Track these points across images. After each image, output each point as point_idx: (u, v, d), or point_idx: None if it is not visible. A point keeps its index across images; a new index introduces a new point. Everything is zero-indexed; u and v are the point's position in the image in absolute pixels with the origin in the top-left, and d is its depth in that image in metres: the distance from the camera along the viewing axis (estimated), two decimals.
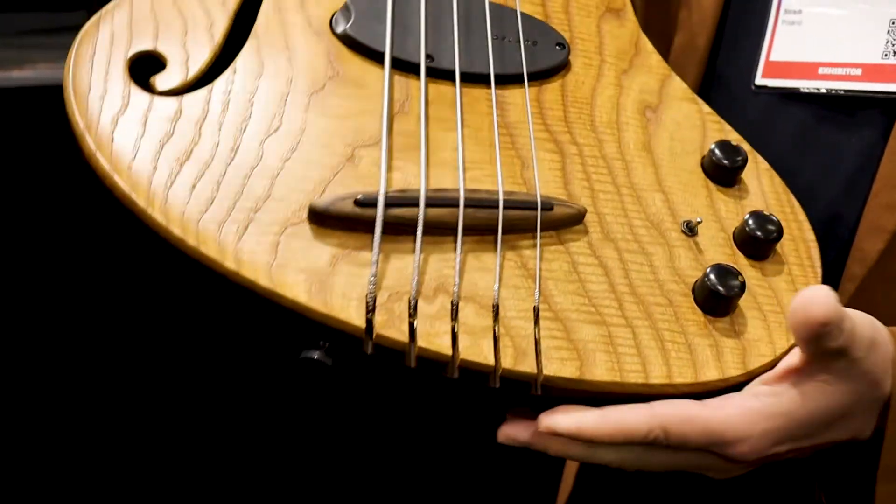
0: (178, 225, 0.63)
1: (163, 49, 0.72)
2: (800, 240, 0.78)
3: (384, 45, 0.74)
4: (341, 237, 0.65)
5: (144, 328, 1.50)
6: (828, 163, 0.88)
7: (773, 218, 0.75)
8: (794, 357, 0.70)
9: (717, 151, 0.78)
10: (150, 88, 0.69)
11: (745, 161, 0.79)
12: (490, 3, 0.80)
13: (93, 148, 0.65)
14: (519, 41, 0.79)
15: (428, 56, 0.75)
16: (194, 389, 1.58)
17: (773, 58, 0.89)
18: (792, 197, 0.80)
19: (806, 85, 0.87)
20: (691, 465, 0.71)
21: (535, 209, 0.69)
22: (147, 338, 1.52)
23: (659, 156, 0.78)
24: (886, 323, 0.78)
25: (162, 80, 0.70)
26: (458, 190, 0.68)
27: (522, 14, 0.82)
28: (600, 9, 0.87)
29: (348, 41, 0.75)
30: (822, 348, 0.67)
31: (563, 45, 0.82)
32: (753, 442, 0.67)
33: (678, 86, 0.85)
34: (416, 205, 0.66)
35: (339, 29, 0.76)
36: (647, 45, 0.86)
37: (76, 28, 1.94)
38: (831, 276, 0.84)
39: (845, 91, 0.86)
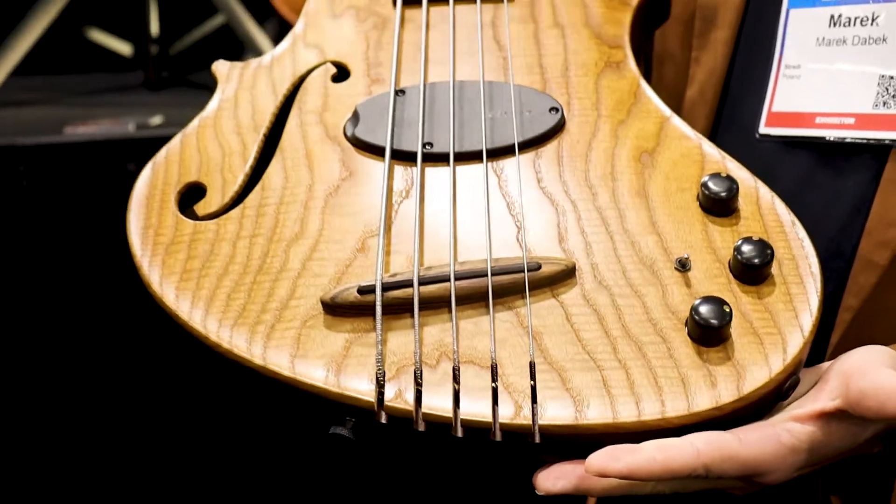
0: (215, 334, 0.69)
1: (204, 180, 0.79)
2: (800, 257, 0.76)
3: (385, 140, 0.79)
4: (353, 322, 0.69)
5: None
6: (826, 204, 0.89)
7: (762, 241, 0.75)
8: (829, 401, 0.70)
9: (708, 185, 0.78)
10: (193, 215, 0.77)
11: (736, 190, 0.78)
12: (486, 83, 0.84)
13: (147, 277, 0.73)
14: (513, 113, 0.82)
15: (427, 143, 0.79)
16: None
17: (774, 109, 0.91)
18: (792, 215, 0.79)
19: (804, 133, 0.89)
20: (722, 487, 0.72)
21: (523, 272, 0.72)
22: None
23: (653, 198, 0.79)
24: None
25: (203, 207, 0.77)
26: (447, 266, 0.71)
27: (517, 87, 0.84)
28: (599, 65, 0.89)
29: (356, 142, 0.80)
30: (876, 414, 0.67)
31: (556, 108, 0.84)
32: (781, 473, 0.68)
33: (677, 126, 0.85)
34: (411, 285, 0.69)
35: (349, 132, 0.81)
36: (647, 91, 0.86)
37: (135, 87, 1.93)
38: (830, 308, 0.85)
39: (840, 139, 0.87)
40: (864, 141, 0.84)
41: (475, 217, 0.75)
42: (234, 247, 0.74)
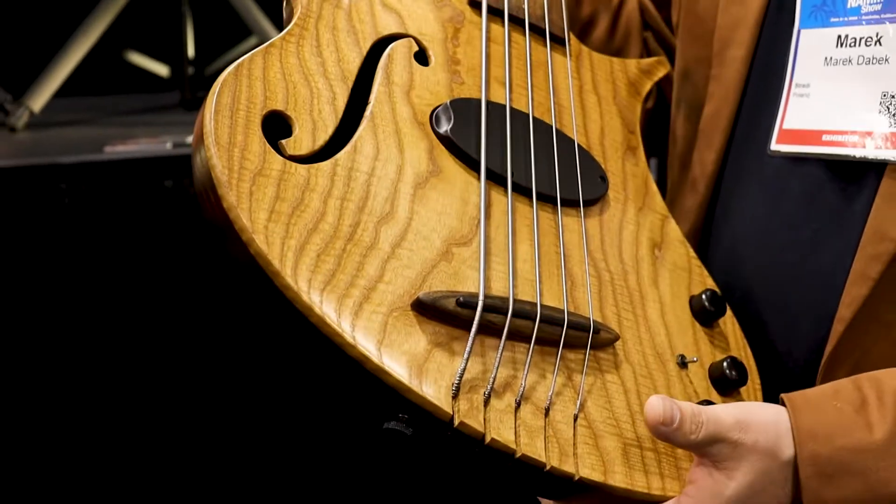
0: (306, 294, 0.65)
1: (292, 114, 0.73)
2: (754, 386, 0.84)
3: (478, 155, 0.78)
4: (437, 327, 0.68)
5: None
6: (830, 219, 0.89)
7: (742, 367, 0.82)
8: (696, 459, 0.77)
9: (705, 299, 0.84)
10: (280, 150, 0.71)
11: (723, 311, 0.85)
12: (556, 130, 0.85)
13: (234, 202, 0.66)
14: (576, 169, 0.84)
15: (511, 172, 0.79)
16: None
17: (785, 126, 0.91)
18: (748, 350, 0.87)
19: (812, 150, 0.89)
20: None
21: (589, 331, 0.74)
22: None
23: (663, 292, 0.84)
24: (873, 360, 0.82)
25: (291, 145, 0.71)
26: (535, 304, 0.73)
27: (578, 145, 0.86)
28: (624, 145, 0.91)
29: (448, 143, 0.78)
30: (693, 442, 0.73)
31: (604, 178, 0.86)
32: None
33: (674, 228, 0.90)
34: (506, 313, 0.70)
35: (441, 129, 0.78)
36: (653, 185, 0.91)
37: (172, 107, 1.94)
38: (825, 320, 0.86)
39: (844, 156, 0.88)
40: (866, 159, 0.85)
41: (546, 261, 0.77)
42: (324, 203, 0.69)
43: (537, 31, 0.89)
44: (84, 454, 1.53)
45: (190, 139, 1.60)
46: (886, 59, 0.85)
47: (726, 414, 0.76)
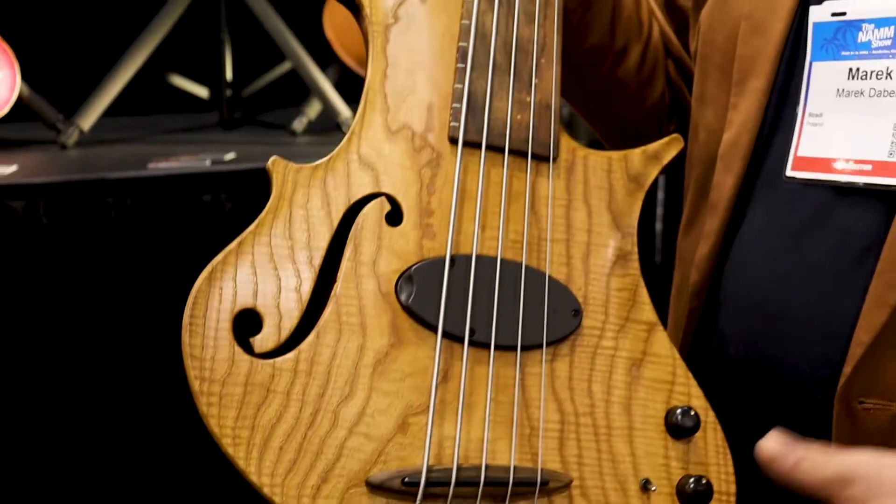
0: (268, 487, 0.72)
1: (261, 309, 0.77)
2: (726, 495, 0.84)
3: (437, 320, 0.80)
4: (389, 499, 0.74)
5: None
6: (837, 242, 0.89)
7: (707, 483, 0.82)
8: None
9: (678, 417, 0.84)
10: (249, 348, 0.76)
11: (697, 427, 0.84)
12: (526, 268, 0.85)
13: (204, 411, 0.73)
14: (543, 310, 0.84)
15: (471, 329, 0.81)
16: None
17: (800, 153, 0.91)
18: (729, 459, 0.86)
19: (825, 177, 0.89)
20: None
21: (536, 485, 0.78)
22: None
23: (634, 417, 0.84)
24: (888, 382, 0.82)
25: (259, 343, 0.76)
26: (480, 469, 0.76)
27: (550, 279, 0.86)
28: (612, 258, 0.90)
29: (409, 311, 0.80)
30: (820, 482, 0.71)
31: (577, 311, 0.86)
32: None
33: (660, 338, 0.89)
34: (449, 484, 0.74)
35: (403, 298, 0.80)
36: (643, 293, 0.90)
37: (211, 126, 1.97)
38: (838, 343, 0.86)
39: (855, 183, 0.87)
40: (878, 186, 0.85)
41: (503, 411, 0.79)
42: (287, 397, 0.74)
43: (521, 155, 0.88)
44: (115, 456, 1.53)
45: (228, 156, 1.62)
46: None
47: (862, 454, 0.74)
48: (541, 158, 0.87)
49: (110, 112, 1.70)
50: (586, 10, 1.02)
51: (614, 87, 1.09)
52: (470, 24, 0.86)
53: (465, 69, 0.85)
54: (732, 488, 0.84)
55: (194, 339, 0.74)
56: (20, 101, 1.63)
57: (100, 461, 1.54)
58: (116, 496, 1.59)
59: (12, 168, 1.47)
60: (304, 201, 0.80)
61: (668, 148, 0.94)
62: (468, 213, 0.84)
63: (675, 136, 0.94)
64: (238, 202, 1.52)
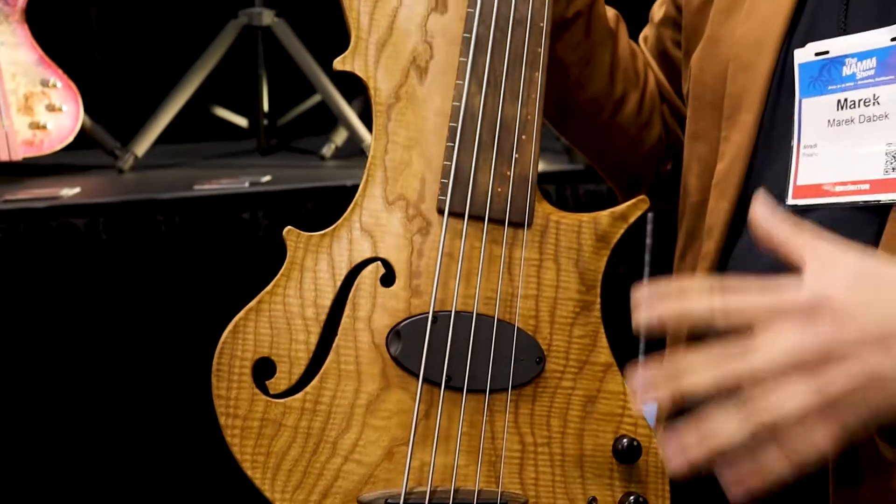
0: (280, 501, 0.83)
1: (275, 358, 0.85)
2: None
3: (418, 370, 0.86)
4: None
5: None
6: None
7: (643, 500, 0.88)
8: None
9: (623, 446, 0.89)
10: (265, 389, 0.85)
11: (639, 455, 0.89)
12: (498, 322, 0.89)
13: (229, 440, 0.84)
14: (511, 358, 0.88)
15: (447, 377, 0.86)
16: None
17: (799, 182, 0.90)
18: (666, 480, 0.91)
19: (827, 201, 0.89)
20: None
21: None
22: None
23: (586, 445, 0.90)
24: None
25: (273, 385, 0.85)
26: (449, 492, 0.85)
27: (518, 330, 0.89)
28: (576, 310, 0.93)
29: (397, 362, 0.86)
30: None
31: (540, 358, 0.90)
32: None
33: (614, 377, 0.92)
34: None
35: (391, 350, 0.86)
36: (602, 339, 0.93)
37: (249, 152, 2.00)
38: None
39: (856, 203, 0.87)
40: (878, 203, 0.84)
41: (472, 443, 0.87)
42: (295, 430, 0.84)
43: (500, 223, 0.90)
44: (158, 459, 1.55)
45: (264, 179, 1.66)
46: (886, 116, 0.85)
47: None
48: (517, 225, 0.91)
49: (161, 140, 1.75)
50: (586, 64, 1.05)
51: (615, 132, 1.10)
52: (460, 106, 0.89)
53: (453, 147, 0.89)
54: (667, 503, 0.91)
55: (220, 383, 0.84)
56: (83, 131, 1.68)
57: (146, 463, 1.55)
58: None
59: (76, 190, 1.53)
60: (312, 265, 0.88)
61: (633, 209, 0.97)
62: (451, 274, 0.88)
63: (641, 198, 0.97)
64: (273, 219, 1.55)
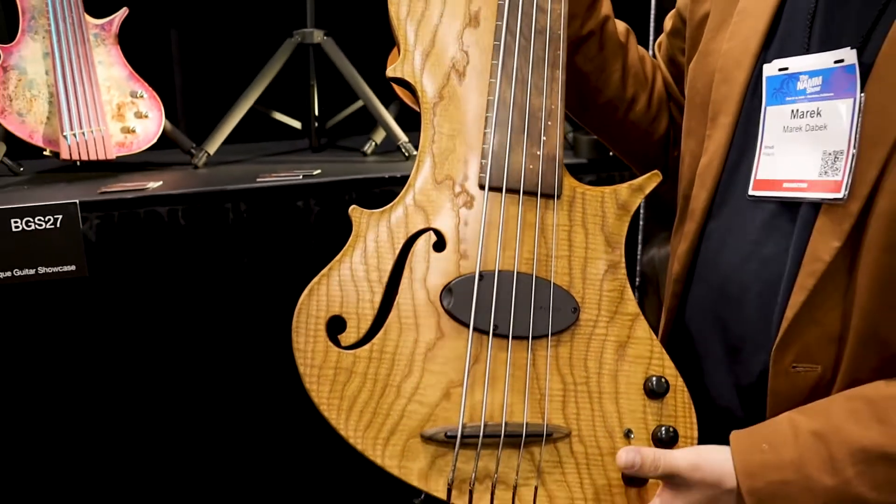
0: (353, 438, 0.83)
1: (345, 315, 0.85)
2: (690, 438, 0.90)
3: (469, 319, 0.86)
4: (437, 448, 0.84)
5: None
6: (781, 241, 0.89)
7: (674, 430, 0.88)
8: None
9: (653, 383, 0.89)
10: (338, 342, 0.85)
11: (667, 391, 0.89)
12: (536, 279, 0.88)
13: (308, 387, 0.84)
14: (549, 309, 0.88)
15: (495, 325, 0.86)
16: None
17: (758, 177, 0.93)
18: (693, 413, 0.90)
19: (776, 195, 0.91)
20: None
21: (543, 436, 0.86)
22: None
23: (620, 384, 0.89)
24: (811, 350, 0.85)
25: (344, 339, 0.85)
26: (500, 425, 0.84)
27: (554, 286, 0.89)
28: (604, 267, 0.92)
29: (450, 314, 0.86)
30: (655, 475, 0.82)
31: (576, 308, 0.89)
32: None
33: (641, 325, 0.92)
34: (478, 436, 0.84)
35: (445, 304, 0.86)
36: (628, 292, 0.92)
37: (303, 150, 1.99)
38: (775, 319, 0.88)
39: (796, 198, 0.89)
40: (811, 200, 0.87)
41: (518, 384, 0.86)
42: (364, 377, 0.84)
43: (533, 194, 0.90)
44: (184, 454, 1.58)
45: (315, 172, 1.68)
46: (825, 127, 0.87)
47: (682, 458, 0.83)
48: (548, 196, 0.92)
49: (229, 140, 1.80)
50: (601, 73, 1.08)
51: (629, 126, 1.14)
52: (494, 100, 0.92)
53: (489, 133, 0.91)
54: (695, 433, 0.89)
55: (299, 338, 0.85)
56: (164, 134, 1.74)
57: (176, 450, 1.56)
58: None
59: (159, 183, 1.57)
60: (374, 236, 0.89)
61: (648, 181, 0.98)
62: (493, 239, 0.89)
63: (654, 172, 0.98)
64: (323, 206, 1.58)
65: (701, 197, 0.98)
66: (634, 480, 0.85)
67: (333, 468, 1.65)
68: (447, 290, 0.87)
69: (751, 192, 0.92)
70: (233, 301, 1.55)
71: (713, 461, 0.82)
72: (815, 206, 0.85)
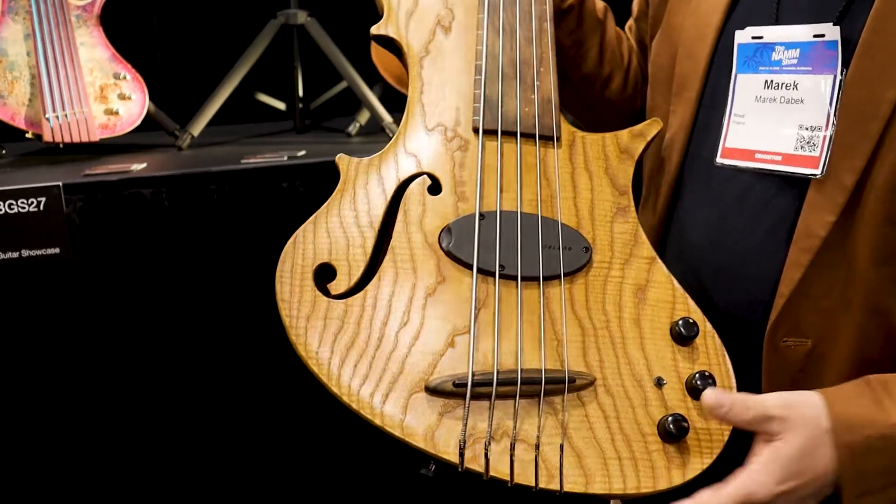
0: (346, 395, 0.71)
1: (335, 262, 0.77)
2: (728, 387, 0.81)
3: (471, 260, 0.78)
4: (445, 401, 0.73)
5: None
6: (756, 214, 0.89)
7: (710, 376, 0.79)
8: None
9: (681, 326, 0.81)
10: (327, 292, 0.76)
11: (697, 333, 0.81)
12: (542, 218, 0.81)
13: (294, 340, 0.74)
14: (559, 248, 0.81)
15: (501, 266, 0.78)
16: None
17: (727, 145, 0.91)
18: (727, 358, 0.81)
19: (747, 165, 0.89)
20: None
21: (565, 382, 0.75)
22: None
23: (644, 328, 0.81)
24: (804, 327, 0.82)
25: (334, 287, 0.76)
26: (516, 371, 0.74)
27: (562, 225, 0.83)
28: (613, 210, 0.86)
29: (450, 255, 0.79)
30: (746, 420, 0.73)
31: (587, 248, 0.82)
32: (765, 487, 0.73)
33: (659, 268, 0.85)
34: (491, 384, 0.73)
35: (444, 245, 0.79)
36: (642, 236, 0.86)
37: (287, 131, 1.95)
38: (762, 294, 0.86)
39: (770, 171, 0.87)
40: (786, 174, 0.85)
41: (532, 331, 0.77)
42: (358, 326, 0.74)
43: (531, 137, 0.86)
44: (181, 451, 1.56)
45: (300, 153, 1.66)
46: (802, 101, 0.86)
47: (771, 399, 0.75)
48: (547, 139, 0.87)
49: (213, 122, 1.77)
50: (579, 47, 1.07)
51: (604, 105, 1.14)
52: (482, 49, 0.88)
53: (481, 80, 0.88)
54: (733, 382, 0.80)
55: (283, 287, 0.76)
56: (148, 115, 1.71)
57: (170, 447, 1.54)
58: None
59: (143, 165, 1.55)
60: (364, 183, 0.82)
61: (649, 128, 0.94)
62: (492, 181, 0.83)
63: (654, 119, 0.95)
64: (308, 187, 1.56)
65: (668, 171, 0.97)
66: (672, 435, 0.75)
67: (326, 446, 1.64)
68: (446, 230, 0.80)
69: (719, 160, 0.90)
70: (218, 283, 1.54)
71: (804, 400, 0.75)
72: (795, 180, 0.85)
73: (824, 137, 0.82)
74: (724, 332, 0.86)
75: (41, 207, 1.34)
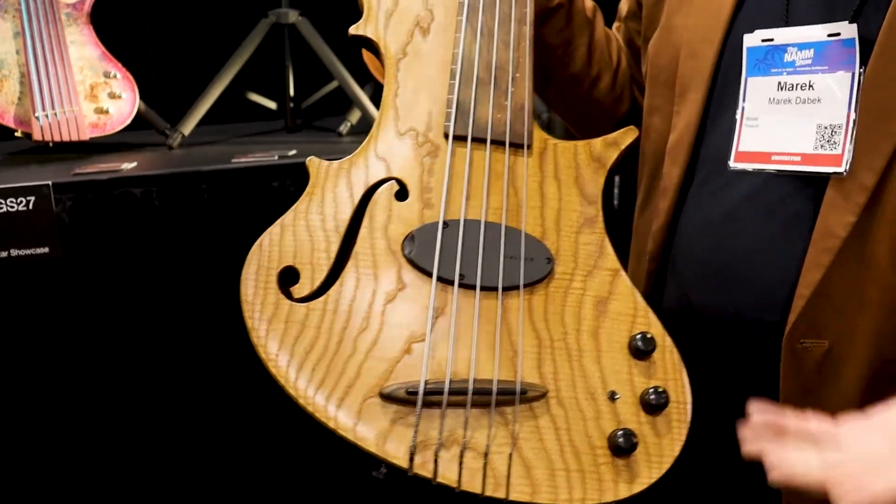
0: (303, 399, 0.73)
1: (299, 266, 0.79)
2: (682, 402, 0.81)
3: (432, 268, 0.79)
4: (398, 408, 0.75)
5: None
6: (765, 213, 0.88)
7: (664, 392, 0.80)
8: None
9: (638, 341, 0.82)
10: (290, 295, 0.78)
11: (655, 348, 0.82)
12: (506, 227, 0.82)
13: (255, 342, 0.76)
14: (521, 259, 0.82)
15: (461, 275, 0.80)
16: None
17: (741, 149, 0.90)
18: (684, 374, 0.82)
19: (763, 167, 0.88)
20: None
21: (516, 394, 0.77)
22: None
23: (601, 341, 0.82)
24: (819, 328, 0.80)
25: (297, 290, 0.79)
26: (468, 381, 0.76)
27: (526, 235, 0.83)
28: (580, 220, 0.87)
29: (411, 262, 0.80)
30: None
31: (550, 259, 0.83)
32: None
33: (623, 280, 0.85)
34: (442, 393, 0.75)
35: (406, 252, 0.80)
36: (608, 247, 0.87)
37: (278, 130, 1.94)
38: (780, 295, 0.84)
39: (790, 171, 0.86)
40: (807, 174, 0.84)
41: (488, 342, 0.77)
42: (317, 331, 0.76)
43: (501, 144, 0.86)
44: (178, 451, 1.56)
45: (291, 153, 1.67)
46: (819, 100, 0.85)
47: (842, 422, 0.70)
48: (518, 146, 0.87)
49: (204, 121, 1.77)
50: (567, 46, 1.06)
51: (591, 104, 1.13)
52: (458, 52, 0.89)
53: (454, 84, 0.88)
54: (688, 397, 0.80)
55: (247, 290, 0.78)
56: (139, 114, 1.70)
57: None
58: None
59: (133, 164, 1.55)
60: (332, 186, 0.83)
61: (623, 136, 0.94)
62: (459, 189, 0.83)
63: (630, 127, 0.95)
64: (299, 187, 1.38)
65: (673, 174, 0.96)
66: (622, 449, 0.76)
67: (319, 445, 1.54)
68: (409, 238, 0.81)
69: (732, 164, 0.89)
70: (208, 282, 1.53)
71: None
72: (811, 180, 0.84)
73: (845, 135, 0.81)
74: (736, 334, 0.86)
75: (30, 206, 1.33)
